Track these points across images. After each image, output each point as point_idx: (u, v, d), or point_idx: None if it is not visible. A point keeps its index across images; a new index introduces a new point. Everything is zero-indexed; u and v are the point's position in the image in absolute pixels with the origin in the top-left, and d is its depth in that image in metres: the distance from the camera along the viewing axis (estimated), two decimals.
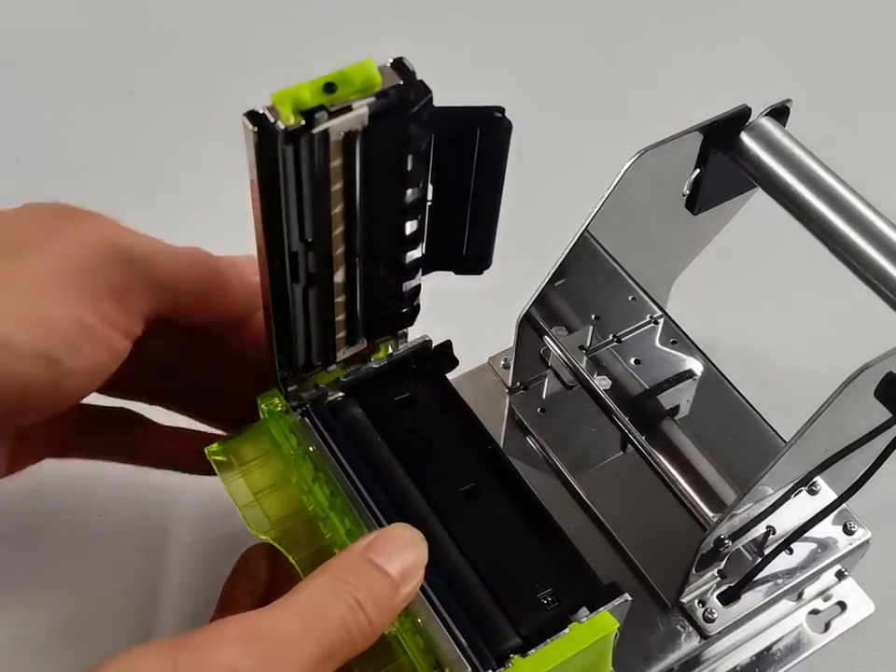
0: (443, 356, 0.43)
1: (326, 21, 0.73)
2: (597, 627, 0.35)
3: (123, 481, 0.47)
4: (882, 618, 0.46)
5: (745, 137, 0.42)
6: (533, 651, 0.35)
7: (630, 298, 0.50)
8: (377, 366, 0.42)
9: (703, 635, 0.42)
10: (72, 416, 0.39)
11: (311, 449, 0.39)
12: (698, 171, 0.44)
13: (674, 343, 0.49)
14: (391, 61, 0.33)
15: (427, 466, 0.40)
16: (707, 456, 0.45)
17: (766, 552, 0.43)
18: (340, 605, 0.33)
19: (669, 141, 0.41)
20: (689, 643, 0.42)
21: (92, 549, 0.48)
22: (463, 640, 0.35)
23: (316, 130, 0.32)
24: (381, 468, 0.39)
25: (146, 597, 0.47)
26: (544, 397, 0.49)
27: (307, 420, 0.40)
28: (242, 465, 0.40)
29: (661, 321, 0.50)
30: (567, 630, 0.35)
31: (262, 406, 0.40)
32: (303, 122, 0.31)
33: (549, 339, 0.46)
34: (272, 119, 0.31)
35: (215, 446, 0.40)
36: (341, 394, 0.41)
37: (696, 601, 0.42)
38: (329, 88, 0.32)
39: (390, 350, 0.42)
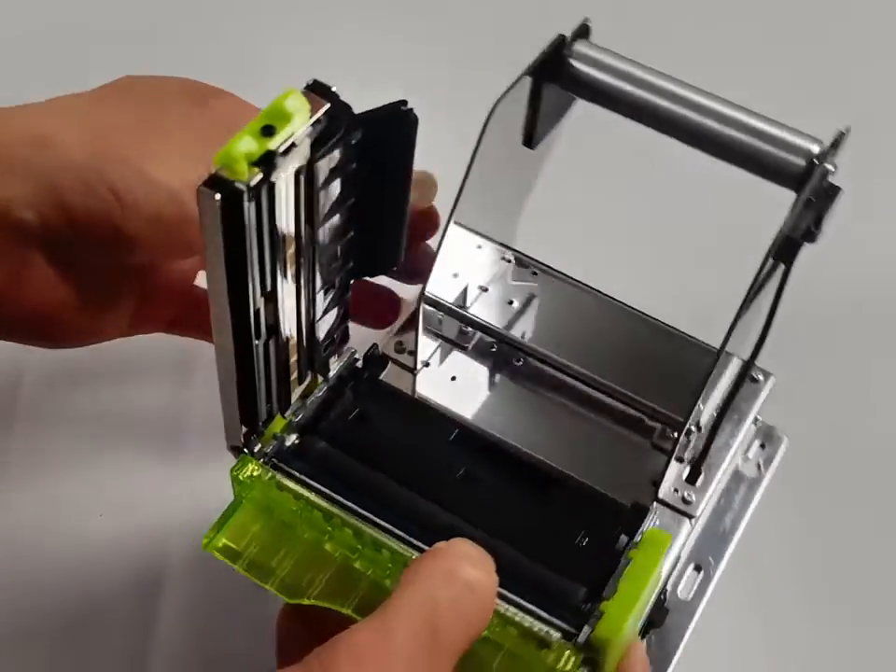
0: (372, 360, 0.42)
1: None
2: (654, 545, 0.37)
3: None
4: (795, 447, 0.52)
5: (571, 63, 0.44)
6: (607, 592, 0.36)
7: (477, 246, 0.51)
8: (320, 395, 0.41)
9: (690, 516, 0.45)
10: (182, 297, 0.46)
11: (311, 497, 0.38)
12: (532, 108, 0.45)
13: (535, 274, 0.51)
14: (308, 83, 0.32)
15: (413, 469, 0.40)
16: (639, 366, 0.47)
17: (702, 424, 0.46)
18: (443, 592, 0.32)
19: (509, 91, 0.42)
20: (683, 529, 0.45)
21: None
22: (546, 614, 0.36)
23: (275, 176, 0.30)
24: (376, 490, 0.39)
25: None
26: (439, 364, 0.49)
27: (283, 472, 0.39)
28: (246, 547, 0.38)
29: (511, 258, 0.52)
30: (627, 561, 0.37)
31: (239, 478, 0.38)
32: (261, 174, 0.30)
33: (439, 307, 0.47)
34: (231, 181, 0.29)
35: (207, 542, 0.37)
36: (295, 436, 0.40)
37: (671, 491, 0.45)
38: (268, 130, 0.30)
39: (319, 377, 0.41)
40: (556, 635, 0.35)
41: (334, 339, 0.39)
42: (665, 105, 0.44)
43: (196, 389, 0.54)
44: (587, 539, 0.38)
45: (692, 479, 0.45)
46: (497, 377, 0.48)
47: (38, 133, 0.39)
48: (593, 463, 0.45)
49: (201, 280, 0.48)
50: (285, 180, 0.31)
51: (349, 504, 0.37)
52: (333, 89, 0.32)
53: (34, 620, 0.47)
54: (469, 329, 0.48)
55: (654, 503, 0.45)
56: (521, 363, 0.48)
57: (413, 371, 0.49)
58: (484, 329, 0.48)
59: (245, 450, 0.38)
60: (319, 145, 0.31)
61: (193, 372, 0.54)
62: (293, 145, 0.30)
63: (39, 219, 0.38)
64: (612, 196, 0.62)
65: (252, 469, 0.38)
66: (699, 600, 0.47)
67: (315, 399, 0.40)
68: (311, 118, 0.31)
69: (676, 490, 0.45)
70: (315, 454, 0.39)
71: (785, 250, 0.42)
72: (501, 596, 0.36)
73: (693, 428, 0.43)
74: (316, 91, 0.32)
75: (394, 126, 0.35)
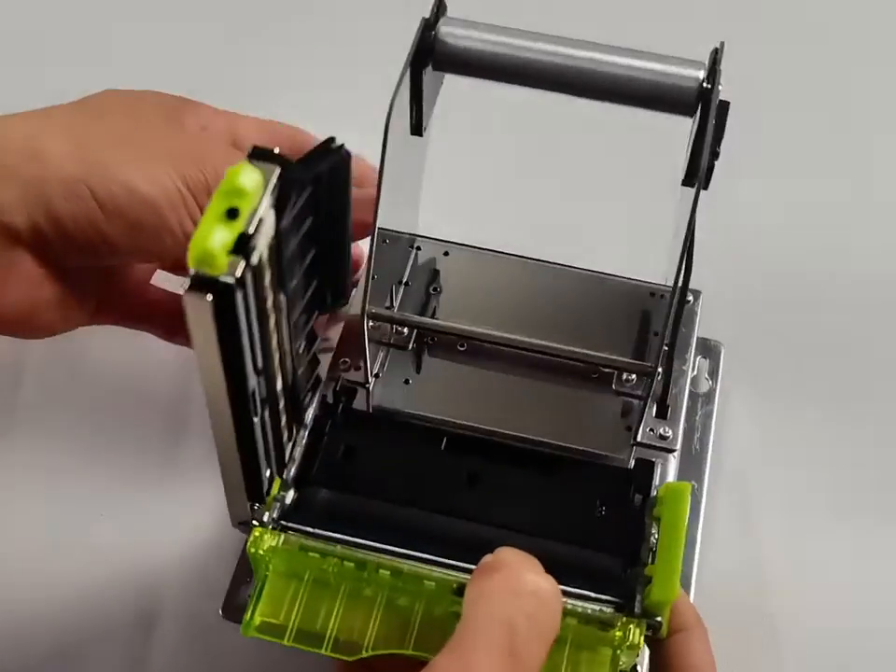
0: (342, 392, 0.42)
1: None
2: (676, 499, 0.38)
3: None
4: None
5: (441, 42, 0.43)
6: (644, 555, 0.37)
7: (384, 241, 0.50)
8: (303, 443, 0.40)
9: (670, 450, 0.46)
10: (138, 294, 0.49)
11: (338, 549, 0.37)
12: (415, 97, 0.44)
13: (447, 254, 0.51)
14: (249, 151, 0.30)
15: (419, 489, 0.39)
16: (576, 318, 0.48)
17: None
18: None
19: (399, 87, 0.41)
20: (670, 465, 0.46)
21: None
22: (595, 595, 0.36)
23: (254, 258, 0.29)
24: (393, 521, 0.38)
25: None
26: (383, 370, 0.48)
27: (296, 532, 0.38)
28: (286, 618, 0.37)
29: (420, 245, 0.51)
30: (651, 521, 0.38)
31: (259, 552, 0.37)
32: (242, 260, 0.28)
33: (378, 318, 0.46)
34: (216, 278, 0.28)
35: (245, 627, 0.36)
36: (292, 492, 0.39)
37: (647, 432, 0.46)
38: (233, 214, 0.28)
39: None
40: (609, 611, 0.36)
41: (312, 384, 0.38)
42: (544, 61, 0.44)
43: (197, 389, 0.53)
44: (605, 508, 0.39)
45: (661, 414, 0.47)
46: (447, 368, 0.48)
47: (29, 143, 0.42)
48: (570, 426, 0.45)
49: (155, 280, 0.51)
50: (259, 256, 0.29)
51: (376, 545, 0.37)
52: (276, 150, 0.30)
53: (35, 618, 0.47)
54: (405, 329, 0.48)
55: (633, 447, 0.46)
56: (465, 347, 0.48)
57: (364, 386, 0.48)
58: (418, 325, 0.47)
59: (255, 522, 0.37)
60: (281, 211, 0.30)
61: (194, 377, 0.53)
62: (261, 220, 0.29)
63: (28, 224, 0.41)
64: (501, 159, 0.62)
65: (268, 540, 0.37)
66: (695, 525, 0.48)
67: (300, 449, 0.39)
68: (267, 187, 0.29)
69: (651, 430, 0.46)
70: (319, 504, 0.39)
71: (697, 173, 0.43)
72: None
73: (659, 369, 0.44)
74: (262, 157, 0.30)
75: (333, 167, 0.34)
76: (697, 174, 0.42)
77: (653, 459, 0.41)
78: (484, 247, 0.51)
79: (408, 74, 0.43)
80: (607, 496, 0.40)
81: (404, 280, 0.50)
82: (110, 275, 0.48)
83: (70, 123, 0.43)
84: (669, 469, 0.46)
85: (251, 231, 0.28)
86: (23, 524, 0.50)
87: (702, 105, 0.42)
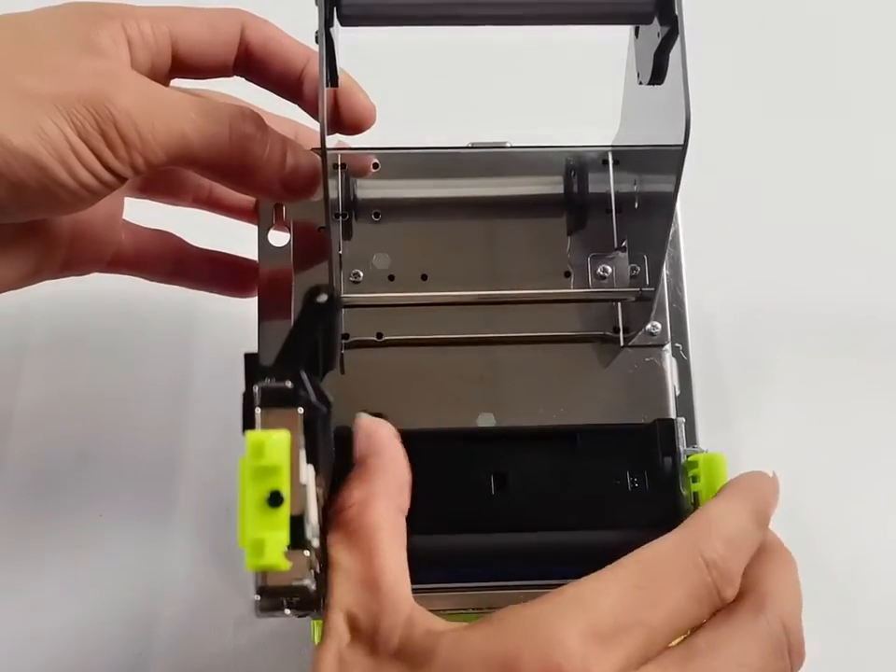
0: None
1: None
2: (712, 469, 0.37)
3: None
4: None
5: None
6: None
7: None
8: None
9: (662, 345, 0.45)
10: (119, 235, 0.45)
11: None
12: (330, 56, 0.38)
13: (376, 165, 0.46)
14: (259, 397, 0.26)
15: (454, 512, 0.38)
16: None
17: None
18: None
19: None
20: (665, 361, 0.45)
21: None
22: None
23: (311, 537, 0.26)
24: (447, 554, 0.38)
25: None
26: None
27: None
28: None
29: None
30: (686, 495, 0.38)
31: None
32: (304, 552, 0.25)
33: None
34: (289, 580, 0.25)
35: None
36: None
37: (644, 335, 0.45)
38: (276, 499, 0.25)
39: None
40: None
41: None
42: None
43: (195, 396, 0.52)
44: (636, 480, 0.39)
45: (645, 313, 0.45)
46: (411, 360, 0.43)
47: None
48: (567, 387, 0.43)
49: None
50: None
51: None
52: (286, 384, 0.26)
53: (29, 625, 0.47)
54: None
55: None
56: None
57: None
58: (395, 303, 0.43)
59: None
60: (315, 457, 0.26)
61: (193, 385, 0.52)
62: (305, 487, 0.26)
63: None
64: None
65: None
66: (688, 389, 0.48)
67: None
68: (297, 442, 0.25)
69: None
70: None
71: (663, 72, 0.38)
72: None
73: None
74: (274, 397, 0.26)
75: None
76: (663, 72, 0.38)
77: (673, 418, 0.41)
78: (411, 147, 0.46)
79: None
80: (634, 464, 0.39)
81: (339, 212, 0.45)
82: (52, 225, 0.43)
83: None
84: (666, 366, 0.45)
85: (302, 510, 0.25)
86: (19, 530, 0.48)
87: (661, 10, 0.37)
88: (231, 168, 0.39)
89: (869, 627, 0.48)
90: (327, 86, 0.39)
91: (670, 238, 0.45)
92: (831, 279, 0.56)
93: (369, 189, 0.45)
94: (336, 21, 0.37)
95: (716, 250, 0.52)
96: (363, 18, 0.37)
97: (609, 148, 0.46)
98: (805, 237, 0.57)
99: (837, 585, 0.48)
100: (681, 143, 0.36)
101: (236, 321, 0.46)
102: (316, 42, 0.36)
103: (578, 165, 0.45)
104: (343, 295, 0.42)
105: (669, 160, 0.37)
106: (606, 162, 0.46)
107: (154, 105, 0.37)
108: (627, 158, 0.45)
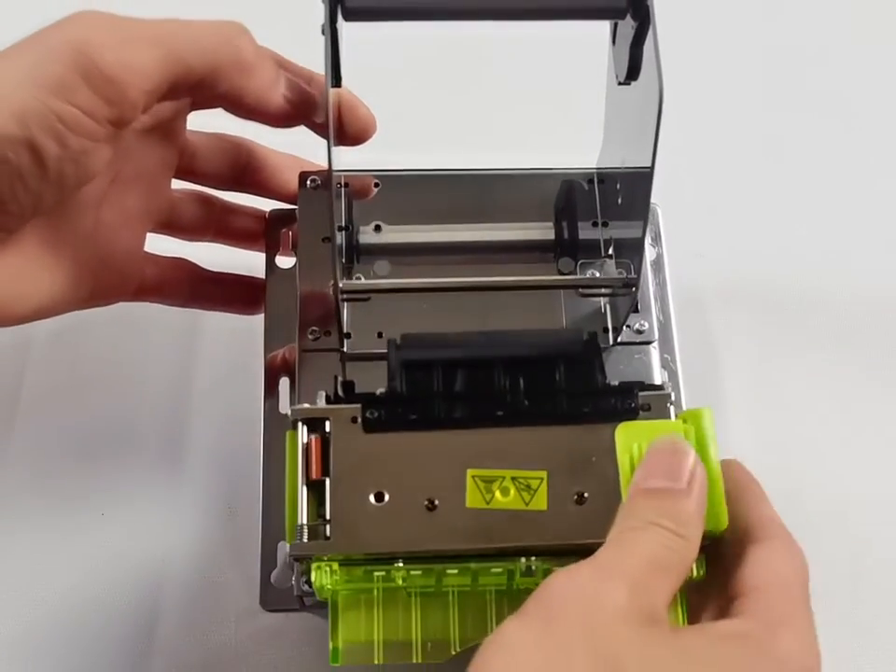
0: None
1: None
2: (699, 422, 0.39)
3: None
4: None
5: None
6: None
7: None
8: None
9: (650, 342, 0.47)
10: (142, 266, 0.47)
11: (400, 563, 0.37)
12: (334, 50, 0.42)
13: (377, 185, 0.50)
14: None
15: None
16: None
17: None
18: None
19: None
20: (653, 358, 0.47)
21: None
22: None
23: None
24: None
25: None
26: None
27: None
28: (370, 636, 0.37)
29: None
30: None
31: (327, 586, 0.37)
32: None
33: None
34: None
35: (333, 656, 0.37)
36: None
37: (630, 330, 0.47)
38: None
39: None
40: None
41: None
42: None
43: (198, 393, 0.53)
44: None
45: (634, 308, 0.47)
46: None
47: None
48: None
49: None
50: None
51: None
52: None
53: (33, 618, 0.47)
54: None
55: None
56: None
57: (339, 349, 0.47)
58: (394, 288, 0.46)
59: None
60: None
61: (195, 378, 0.54)
62: None
63: None
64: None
65: (326, 570, 0.37)
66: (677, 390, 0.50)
67: None
68: None
69: (627, 326, 0.47)
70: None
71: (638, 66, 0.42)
72: None
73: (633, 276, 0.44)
74: None
75: None
76: (638, 67, 0.41)
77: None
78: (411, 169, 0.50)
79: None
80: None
81: (343, 224, 0.48)
82: (79, 255, 0.44)
83: None
84: (654, 363, 0.47)
85: None
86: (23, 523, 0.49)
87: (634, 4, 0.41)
88: (223, 73, 0.41)
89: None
90: (332, 85, 0.43)
91: (652, 239, 0.49)
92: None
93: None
94: (340, 17, 0.41)
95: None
96: (367, 13, 0.41)
97: (595, 170, 0.50)
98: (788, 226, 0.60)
99: (837, 577, 0.48)
100: (654, 122, 0.39)
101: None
102: (322, 34, 0.40)
103: (567, 207, 0.48)
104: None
105: (645, 142, 0.41)
106: (591, 182, 0.50)
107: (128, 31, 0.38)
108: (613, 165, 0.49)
